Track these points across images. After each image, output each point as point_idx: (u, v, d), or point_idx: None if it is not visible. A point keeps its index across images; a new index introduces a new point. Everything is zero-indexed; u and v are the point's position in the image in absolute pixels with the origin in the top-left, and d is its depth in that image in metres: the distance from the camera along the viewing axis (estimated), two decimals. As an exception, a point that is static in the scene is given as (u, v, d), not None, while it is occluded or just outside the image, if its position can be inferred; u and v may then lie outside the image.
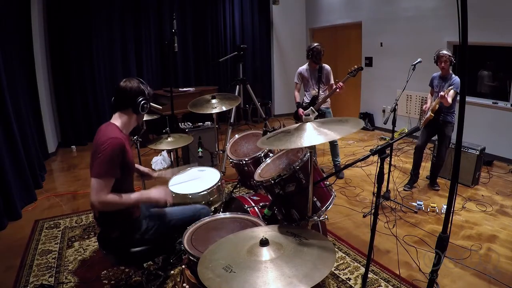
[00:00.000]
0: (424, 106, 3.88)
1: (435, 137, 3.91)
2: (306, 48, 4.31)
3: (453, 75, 3.64)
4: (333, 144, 4.47)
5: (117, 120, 1.94)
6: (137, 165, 2.31)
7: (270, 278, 1.20)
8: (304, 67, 4.38)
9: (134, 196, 1.89)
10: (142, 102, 1.92)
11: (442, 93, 3.47)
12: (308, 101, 4.36)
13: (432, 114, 3.65)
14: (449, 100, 3.47)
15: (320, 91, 4.29)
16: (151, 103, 2.17)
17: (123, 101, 1.92)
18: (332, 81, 4.34)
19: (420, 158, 3.95)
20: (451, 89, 3.47)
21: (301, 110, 4.25)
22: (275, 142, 1.67)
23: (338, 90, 4.00)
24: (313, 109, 4.19)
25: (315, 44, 4.19)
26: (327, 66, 4.32)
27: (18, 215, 3.50)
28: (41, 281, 2.48)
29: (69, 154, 5.86)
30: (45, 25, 5.68)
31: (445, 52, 3.54)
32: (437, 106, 3.62)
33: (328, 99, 4.28)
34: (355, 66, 4.00)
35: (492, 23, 4.56)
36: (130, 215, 1.94)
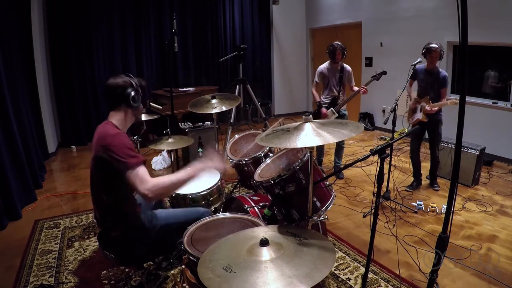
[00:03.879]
0: (410, 103, 3.82)
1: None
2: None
3: (440, 70, 3.58)
4: (339, 146, 4.46)
5: (112, 118, 1.93)
6: None
7: (270, 278, 1.20)
8: (324, 66, 4.29)
9: (185, 172, 1.75)
10: (132, 93, 1.89)
11: (428, 107, 3.51)
12: (327, 102, 4.28)
13: (426, 117, 3.63)
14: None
15: (340, 93, 4.25)
16: (151, 103, 2.16)
17: (114, 98, 1.91)
18: (353, 83, 4.31)
19: (419, 160, 3.96)
20: (454, 100, 3.42)
21: (324, 109, 4.19)
22: (274, 140, 1.65)
23: (361, 92, 4.04)
24: (334, 110, 4.17)
25: (334, 43, 4.15)
26: (348, 67, 4.27)
27: (18, 215, 3.50)
28: (41, 281, 2.48)
29: (69, 154, 5.86)
30: (45, 25, 5.68)
31: (435, 45, 3.44)
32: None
33: None
34: (379, 70, 3.98)
35: (493, 23, 4.56)
36: (130, 214, 1.94)
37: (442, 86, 3.57)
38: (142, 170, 1.69)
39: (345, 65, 4.26)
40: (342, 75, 4.21)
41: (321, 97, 4.34)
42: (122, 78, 1.91)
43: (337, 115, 4.18)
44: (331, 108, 4.19)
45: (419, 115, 3.69)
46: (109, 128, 1.85)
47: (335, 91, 4.23)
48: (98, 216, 1.97)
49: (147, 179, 1.66)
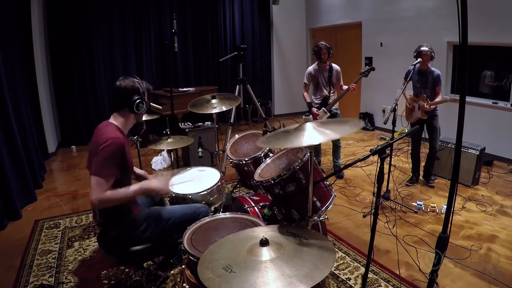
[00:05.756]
0: (408, 103, 3.85)
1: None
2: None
3: (432, 69, 3.68)
4: (336, 146, 4.45)
5: (115, 120, 1.95)
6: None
7: (270, 278, 1.20)
8: (312, 67, 4.32)
9: (133, 188, 1.88)
10: (137, 101, 1.91)
11: (426, 106, 3.60)
12: (318, 102, 4.28)
13: (425, 114, 3.69)
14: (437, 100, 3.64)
15: (331, 92, 4.26)
16: (151, 103, 2.17)
17: (119, 101, 1.93)
18: (342, 82, 4.31)
19: (419, 159, 4.04)
20: (447, 99, 3.58)
21: (314, 109, 4.19)
22: (275, 141, 1.67)
23: (351, 90, 3.99)
24: (325, 110, 4.17)
25: (319, 43, 4.17)
26: (336, 66, 4.27)
27: (18, 215, 3.50)
28: (41, 281, 2.48)
29: (69, 154, 5.86)
30: (45, 25, 5.68)
31: (426, 48, 3.55)
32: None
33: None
34: (367, 67, 3.98)
35: (493, 23, 4.56)
36: (129, 213, 1.94)
37: (437, 84, 3.66)
38: (104, 181, 1.75)
39: (333, 64, 4.26)
40: (331, 74, 4.21)
41: (312, 98, 4.36)
42: (131, 82, 1.92)
43: (329, 114, 4.18)
44: (323, 108, 4.19)
45: (418, 113, 3.75)
46: (111, 130, 1.88)
47: (325, 91, 4.24)
48: (97, 215, 1.97)
49: (101, 191, 1.74)
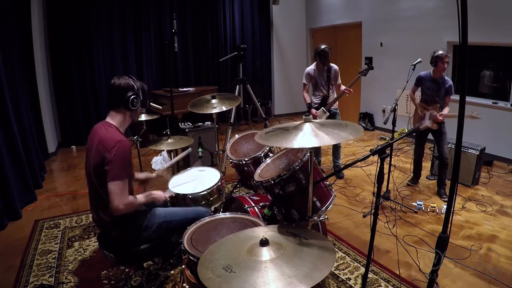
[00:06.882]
0: (420, 110, 3.74)
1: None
2: (313, 50, 4.27)
3: (445, 78, 3.56)
4: (336, 146, 4.46)
5: (112, 119, 1.96)
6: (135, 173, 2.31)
7: (270, 278, 1.20)
8: (311, 67, 4.33)
9: (140, 196, 1.97)
10: (132, 97, 1.93)
11: (440, 118, 3.50)
12: (318, 102, 4.30)
13: (436, 126, 3.60)
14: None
15: (330, 92, 4.27)
16: (151, 103, 2.19)
17: (114, 99, 1.95)
18: (340, 81, 4.32)
19: (421, 163, 4.03)
20: (456, 115, 3.44)
21: (314, 110, 4.21)
22: (273, 138, 1.66)
23: (346, 93, 4.03)
24: (324, 109, 4.18)
25: (323, 47, 4.14)
26: (334, 66, 4.28)
27: (18, 215, 3.50)
28: (41, 281, 2.48)
29: (69, 154, 5.86)
30: (45, 25, 5.68)
31: (444, 52, 3.43)
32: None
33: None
34: (366, 66, 3.96)
35: (493, 23, 4.56)
36: (130, 213, 1.94)
37: (448, 94, 3.56)
38: (124, 184, 1.81)
39: (331, 64, 4.26)
40: (330, 74, 4.22)
41: (312, 98, 4.36)
42: (125, 80, 1.95)
43: (328, 114, 4.19)
44: (322, 108, 4.20)
45: (427, 123, 3.61)
46: (113, 132, 1.90)
47: (324, 90, 4.25)
48: (96, 216, 1.97)
49: (125, 195, 1.81)
